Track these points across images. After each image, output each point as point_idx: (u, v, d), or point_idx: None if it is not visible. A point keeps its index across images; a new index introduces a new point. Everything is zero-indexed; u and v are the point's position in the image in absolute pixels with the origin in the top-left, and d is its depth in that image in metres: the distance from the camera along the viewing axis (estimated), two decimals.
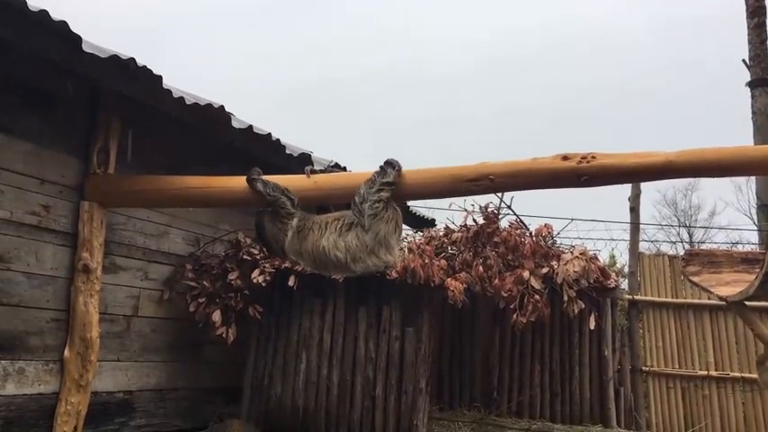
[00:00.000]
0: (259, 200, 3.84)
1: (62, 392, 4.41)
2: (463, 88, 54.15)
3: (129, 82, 4.24)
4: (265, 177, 3.82)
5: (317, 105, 50.25)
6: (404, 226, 7.92)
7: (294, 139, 5.54)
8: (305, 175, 3.88)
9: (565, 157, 3.43)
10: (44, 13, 3.56)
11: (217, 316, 5.35)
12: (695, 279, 4.70)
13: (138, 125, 4.83)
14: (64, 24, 3.66)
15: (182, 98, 4.46)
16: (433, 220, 8.52)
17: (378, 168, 3.63)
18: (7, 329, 4.19)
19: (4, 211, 4.16)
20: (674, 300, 7.30)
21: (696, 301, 7.23)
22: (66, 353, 4.44)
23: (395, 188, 3.58)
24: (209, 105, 4.74)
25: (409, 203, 7.80)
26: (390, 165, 3.61)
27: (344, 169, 6.10)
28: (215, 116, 4.83)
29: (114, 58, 3.98)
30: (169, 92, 4.38)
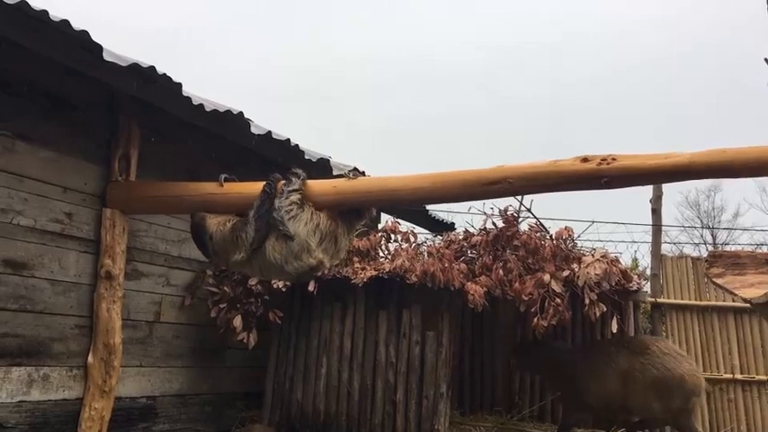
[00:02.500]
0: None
1: (86, 398, 4.45)
2: (468, 82, 53.94)
3: (150, 89, 4.28)
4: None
5: (319, 101, 50.35)
6: (421, 229, 7.95)
7: (294, 136, 5.53)
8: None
9: (585, 159, 3.41)
10: (65, 22, 3.61)
11: (238, 321, 5.38)
12: (719, 281, 4.63)
13: (158, 132, 4.88)
14: (85, 33, 3.71)
15: (201, 105, 4.50)
16: (453, 224, 8.50)
17: (284, 180, 3.76)
18: (32, 336, 4.24)
19: (28, 219, 4.22)
20: (698, 302, 7.21)
21: (720, 303, 7.14)
22: (90, 359, 4.49)
23: (303, 192, 3.73)
24: (228, 112, 4.77)
25: (428, 207, 7.80)
26: (295, 174, 3.76)
27: (363, 174, 6.10)
28: (234, 122, 4.87)
29: (135, 67, 4.03)
30: (189, 99, 4.42)
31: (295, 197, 3.70)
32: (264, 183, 3.83)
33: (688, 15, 48.39)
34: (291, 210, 3.66)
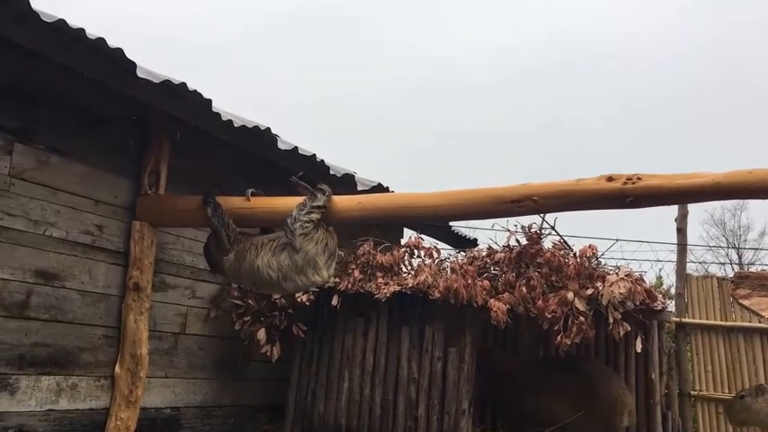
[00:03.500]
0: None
1: (112, 408, 4.52)
2: (499, 101, 54.23)
3: (180, 105, 4.38)
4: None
5: (348, 120, 50.77)
6: (444, 245, 7.96)
7: (324, 154, 5.65)
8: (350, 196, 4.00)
9: (610, 178, 3.42)
10: (101, 40, 3.71)
11: (261, 334, 5.43)
12: (745, 302, 4.61)
13: (188, 146, 4.97)
14: (120, 51, 3.81)
15: (230, 121, 4.59)
16: (475, 240, 8.50)
17: (309, 194, 3.81)
18: (61, 345, 4.33)
19: (60, 231, 4.31)
20: (724, 323, 7.14)
21: (746, 324, 7.06)
22: (117, 369, 4.56)
23: (325, 211, 3.78)
24: (256, 127, 4.85)
25: (451, 223, 7.81)
26: (321, 190, 3.81)
27: (387, 189, 6.16)
28: (262, 138, 4.95)
29: (166, 83, 4.12)
30: (218, 115, 4.51)
31: (315, 215, 3.74)
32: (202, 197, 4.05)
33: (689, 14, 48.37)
34: (307, 227, 3.71)
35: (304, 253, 3.69)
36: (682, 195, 3.45)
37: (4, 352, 3.99)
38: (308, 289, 4.06)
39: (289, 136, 5.55)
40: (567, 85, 52.03)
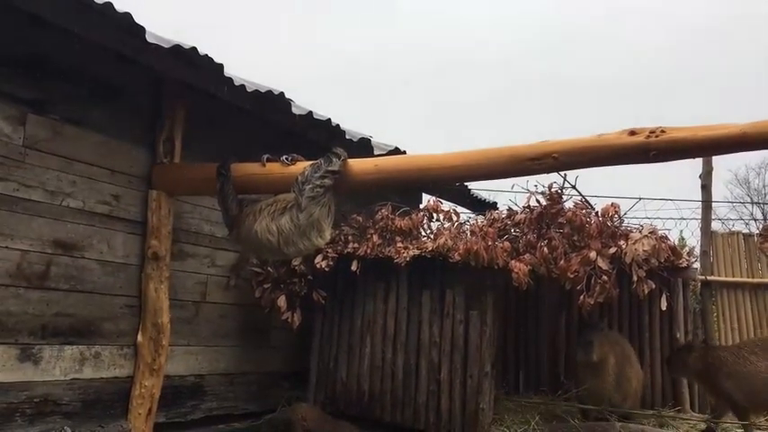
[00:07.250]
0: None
1: (136, 376, 4.56)
2: (517, 65, 53.59)
3: (192, 71, 4.33)
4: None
5: (370, 86, 50.47)
6: (463, 209, 7.88)
7: (346, 120, 5.60)
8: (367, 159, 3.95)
9: (632, 132, 3.32)
10: (109, 5, 3.65)
11: (282, 301, 5.43)
12: None
13: (201, 113, 4.92)
14: (128, 16, 3.75)
15: (242, 86, 4.53)
16: (495, 203, 8.41)
17: (325, 156, 3.75)
18: (83, 316, 4.34)
19: (77, 201, 4.30)
20: (750, 279, 7.00)
21: None
22: (139, 338, 4.58)
23: (338, 177, 3.72)
24: (270, 92, 4.79)
25: (470, 186, 7.73)
26: (336, 154, 3.75)
27: (404, 153, 6.08)
28: (275, 103, 4.89)
29: (177, 48, 4.07)
30: (230, 80, 4.45)
31: (328, 181, 3.69)
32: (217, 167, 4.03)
33: None
34: (318, 192, 3.67)
35: (308, 214, 3.66)
36: (707, 147, 3.34)
37: (27, 322, 4.02)
38: (309, 253, 4.01)
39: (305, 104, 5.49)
40: (582, 46, 51.23)
